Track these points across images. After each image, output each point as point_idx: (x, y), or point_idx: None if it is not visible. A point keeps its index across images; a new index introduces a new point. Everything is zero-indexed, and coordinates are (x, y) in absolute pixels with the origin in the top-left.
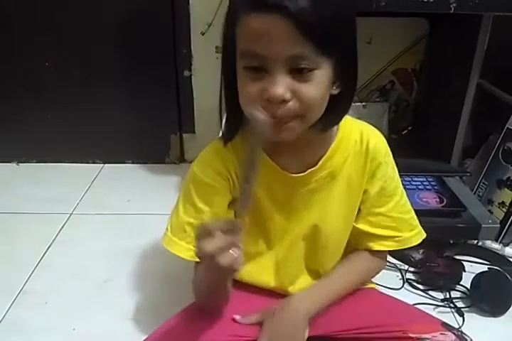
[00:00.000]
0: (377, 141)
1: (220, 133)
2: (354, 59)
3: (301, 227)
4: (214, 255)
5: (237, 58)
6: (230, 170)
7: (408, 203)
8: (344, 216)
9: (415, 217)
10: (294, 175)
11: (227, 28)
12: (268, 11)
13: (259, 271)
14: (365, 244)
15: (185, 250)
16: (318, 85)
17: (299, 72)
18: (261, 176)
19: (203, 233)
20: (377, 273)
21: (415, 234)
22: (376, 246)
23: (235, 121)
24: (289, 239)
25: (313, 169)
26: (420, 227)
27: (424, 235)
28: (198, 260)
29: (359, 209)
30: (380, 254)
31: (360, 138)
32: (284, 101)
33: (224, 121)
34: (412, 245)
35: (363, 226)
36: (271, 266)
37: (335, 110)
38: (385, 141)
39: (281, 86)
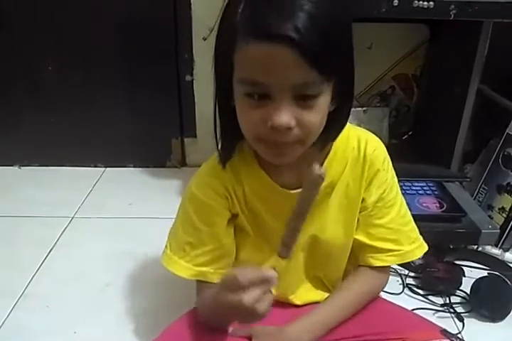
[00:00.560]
0: (375, 148)
1: (217, 155)
2: (352, 79)
3: (301, 238)
4: (251, 307)
5: (236, 84)
6: (228, 189)
7: (408, 213)
8: (344, 225)
9: (416, 228)
10: (293, 191)
11: (221, 53)
12: (271, 41)
13: None
14: (366, 258)
15: (185, 269)
16: (320, 111)
17: (303, 98)
18: (260, 192)
19: (233, 285)
20: (382, 288)
21: (416, 248)
22: (377, 261)
23: (231, 142)
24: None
25: None
26: (421, 240)
27: (425, 248)
28: (197, 279)
29: (358, 218)
30: (382, 269)
31: (357, 144)
32: (289, 129)
33: (219, 142)
34: (413, 259)
35: (362, 238)
36: None
37: (332, 127)
38: (384, 148)
39: (287, 114)
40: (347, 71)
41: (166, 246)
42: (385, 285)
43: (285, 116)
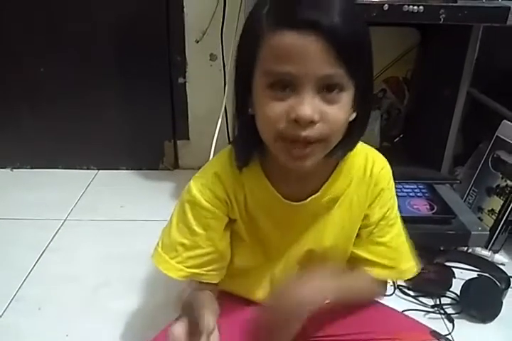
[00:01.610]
0: (382, 167)
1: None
2: (371, 88)
3: (298, 250)
4: None
5: (259, 78)
6: (229, 194)
7: (404, 232)
8: (343, 239)
9: (410, 247)
10: (295, 203)
11: (246, 47)
12: (301, 28)
13: (255, 286)
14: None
15: (175, 270)
16: (344, 108)
17: (328, 91)
18: (261, 200)
19: None
20: (378, 295)
21: (411, 267)
22: (373, 273)
23: (247, 145)
24: (284, 260)
25: (314, 196)
26: (414, 258)
27: (417, 267)
28: (188, 279)
29: (358, 233)
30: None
31: (364, 162)
32: (312, 123)
33: (233, 143)
34: (406, 278)
35: (362, 253)
36: (266, 283)
37: (351, 136)
38: (389, 168)
39: (311, 106)
40: (370, 74)
41: (157, 244)
42: (383, 294)
43: (309, 109)
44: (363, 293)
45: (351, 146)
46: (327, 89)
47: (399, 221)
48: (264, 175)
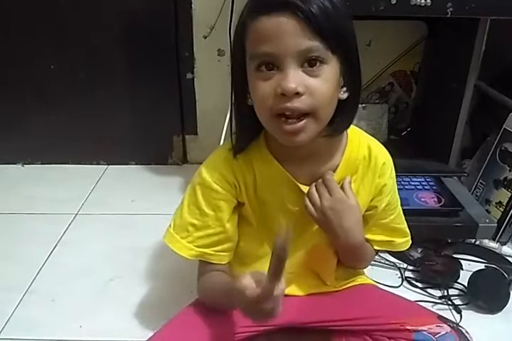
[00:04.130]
0: (386, 159)
1: (230, 145)
2: (357, 59)
3: (306, 236)
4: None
5: (248, 63)
6: (237, 178)
7: (401, 209)
8: None
9: (406, 224)
10: (302, 185)
11: (236, 40)
12: (274, 10)
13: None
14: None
15: (186, 249)
16: (328, 81)
17: (310, 65)
18: (271, 180)
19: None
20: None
21: (406, 241)
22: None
23: (246, 134)
24: (292, 245)
25: None
26: (409, 235)
27: (410, 242)
28: (197, 259)
29: (366, 221)
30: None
31: (368, 154)
32: (297, 94)
33: (234, 133)
34: (400, 250)
35: (366, 235)
36: None
37: (343, 115)
38: (390, 157)
39: (294, 79)
40: (352, 49)
41: (169, 225)
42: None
43: (292, 82)
44: (367, 251)
45: (345, 124)
46: (308, 62)
47: (398, 202)
48: (271, 155)
